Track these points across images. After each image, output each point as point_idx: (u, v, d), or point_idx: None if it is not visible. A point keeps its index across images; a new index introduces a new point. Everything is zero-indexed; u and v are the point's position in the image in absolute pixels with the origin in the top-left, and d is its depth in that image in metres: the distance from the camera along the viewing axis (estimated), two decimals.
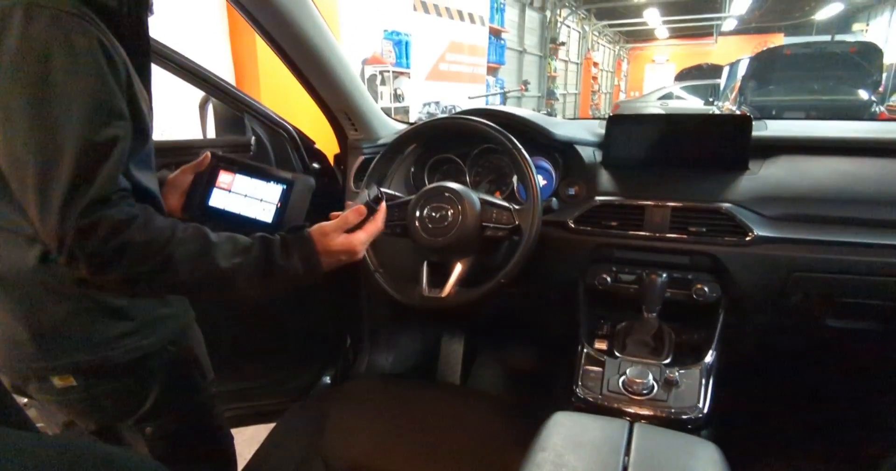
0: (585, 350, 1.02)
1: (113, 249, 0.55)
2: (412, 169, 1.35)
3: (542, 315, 1.34)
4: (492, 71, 8.02)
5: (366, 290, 1.54)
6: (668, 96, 10.09)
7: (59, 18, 0.54)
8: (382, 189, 1.21)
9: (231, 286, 0.63)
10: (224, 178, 0.80)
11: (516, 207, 1.01)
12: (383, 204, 0.80)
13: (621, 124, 1.17)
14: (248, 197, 0.77)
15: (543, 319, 1.36)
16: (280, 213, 0.77)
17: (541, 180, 1.19)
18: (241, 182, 0.78)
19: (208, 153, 0.83)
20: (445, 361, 1.60)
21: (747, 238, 0.99)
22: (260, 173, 0.79)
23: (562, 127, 1.24)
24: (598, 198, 1.12)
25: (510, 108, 1.29)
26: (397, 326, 1.56)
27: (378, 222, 0.78)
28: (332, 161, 1.44)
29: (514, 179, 1.25)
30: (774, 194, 1.04)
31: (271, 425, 1.00)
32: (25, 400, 0.79)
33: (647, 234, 1.06)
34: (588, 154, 1.21)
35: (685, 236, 1.04)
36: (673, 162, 1.14)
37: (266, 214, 0.77)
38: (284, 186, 0.77)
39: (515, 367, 1.65)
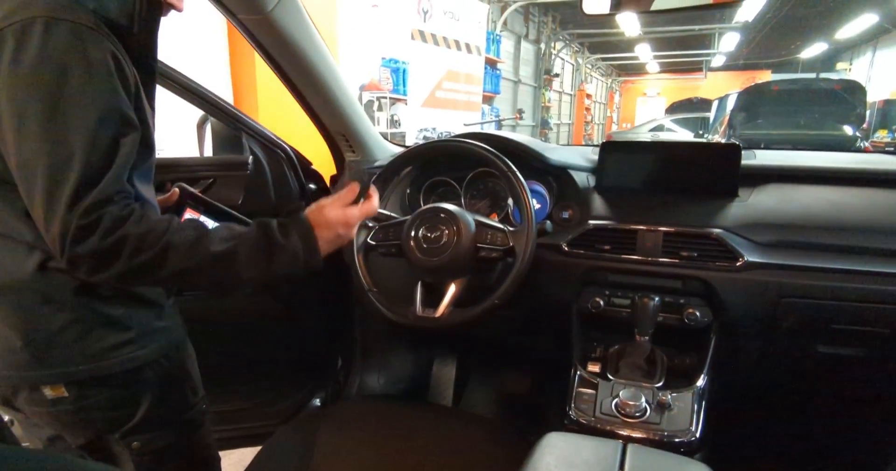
0: (578, 373, 1.02)
1: (112, 243, 0.57)
2: (408, 190, 1.36)
3: (536, 337, 1.34)
4: (487, 99, 8.11)
5: (358, 310, 1.54)
6: (658, 128, 10.28)
7: (78, 32, 0.57)
8: (379, 210, 1.20)
9: (233, 272, 0.64)
10: (190, 216, 0.81)
11: (511, 228, 1.02)
12: (374, 187, 0.85)
13: (614, 151, 1.19)
14: None
15: (536, 342, 1.35)
16: None
17: (535, 204, 1.19)
18: (206, 223, 0.73)
19: (176, 189, 0.86)
20: (437, 383, 1.59)
21: (738, 263, 1.00)
22: (224, 216, 0.81)
23: (556, 152, 1.26)
24: (591, 222, 1.12)
25: (506, 133, 1.30)
26: (389, 348, 1.55)
27: (372, 202, 0.81)
28: (328, 182, 1.44)
29: (510, 201, 1.25)
30: (764, 221, 1.05)
31: (258, 449, 0.98)
32: (7, 417, 0.78)
33: (640, 258, 1.07)
34: (582, 179, 1.22)
35: (677, 261, 1.05)
36: (665, 188, 1.15)
37: None
38: None
39: (508, 389, 1.63)
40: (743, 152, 1.11)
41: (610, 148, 1.19)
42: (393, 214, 1.19)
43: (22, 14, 0.57)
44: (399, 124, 5.33)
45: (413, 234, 1.05)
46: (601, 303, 1.09)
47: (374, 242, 1.13)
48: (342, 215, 0.76)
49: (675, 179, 1.14)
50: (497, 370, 1.66)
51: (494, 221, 1.07)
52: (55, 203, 0.56)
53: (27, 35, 0.56)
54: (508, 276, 0.99)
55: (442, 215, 1.03)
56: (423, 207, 1.09)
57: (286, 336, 1.43)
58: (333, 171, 1.46)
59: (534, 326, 1.30)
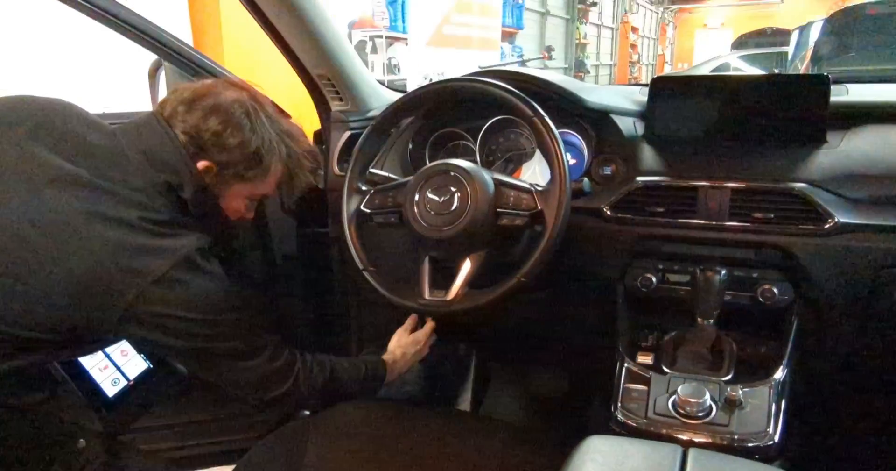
0: (626, 365, 1.03)
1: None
2: (410, 146, 1.35)
3: (572, 325, 1.35)
4: (507, 36, 7.98)
5: (352, 296, 1.56)
6: (723, 68, 10.12)
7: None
8: (374, 170, 1.20)
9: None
10: None
11: (539, 188, 1.01)
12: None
13: (669, 88, 1.17)
14: None
15: (573, 330, 1.36)
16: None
17: (569, 158, 1.19)
18: None
19: None
20: (452, 383, 1.61)
21: (827, 226, 0.98)
22: None
23: (595, 93, 1.25)
24: (639, 178, 1.12)
25: (531, 70, 1.29)
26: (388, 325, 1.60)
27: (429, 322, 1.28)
28: (311, 138, 1.43)
29: (536, 156, 1.25)
30: (860, 172, 1.03)
31: (232, 468, 1.01)
32: None
33: (702, 222, 1.06)
34: (627, 126, 1.21)
35: (748, 225, 1.04)
36: (733, 134, 1.14)
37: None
38: None
39: (539, 389, 1.65)
40: (832, 87, 1.08)
41: (663, 85, 1.18)
42: (392, 176, 1.19)
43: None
44: (398, 70, 5.20)
45: (417, 198, 1.04)
46: (653, 280, 1.10)
47: (368, 210, 1.13)
48: (411, 341, 1.23)
49: (746, 123, 1.13)
50: (525, 367, 1.67)
51: (518, 180, 1.07)
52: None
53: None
54: (536, 248, 0.98)
55: (453, 174, 1.03)
56: (430, 165, 1.08)
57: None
58: (317, 124, 1.45)
59: (569, 311, 1.30)
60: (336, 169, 1.40)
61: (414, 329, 1.33)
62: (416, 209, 1.05)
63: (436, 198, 1.03)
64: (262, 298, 1.51)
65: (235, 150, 0.94)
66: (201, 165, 0.93)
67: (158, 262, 0.83)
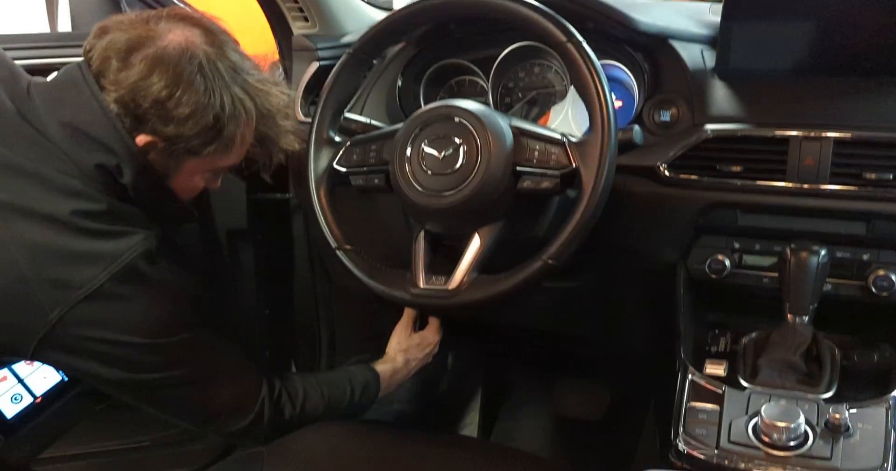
0: (691, 377, 1.01)
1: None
2: (399, 83, 1.34)
3: (615, 324, 1.35)
4: None
5: (322, 288, 1.56)
6: None
7: None
8: (350, 116, 1.19)
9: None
10: None
11: (573, 139, 0.99)
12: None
13: (751, 5, 1.12)
14: None
15: (616, 330, 1.36)
16: None
17: (614, 99, 1.12)
18: None
19: None
20: (454, 400, 1.62)
21: None
22: None
23: (650, 11, 1.22)
24: (709, 127, 1.09)
25: None
26: (374, 346, 1.52)
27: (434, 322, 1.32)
28: (265, 68, 1.43)
29: (569, 97, 1.24)
30: None
31: None
32: None
33: (793, 185, 1.04)
34: (693, 56, 1.18)
35: (857, 189, 1.01)
36: (837, 66, 1.12)
37: None
38: None
39: (569, 410, 1.65)
40: None
41: (743, 1, 1.15)
42: (375, 123, 1.18)
43: None
44: None
45: (409, 152, 1.03)
46: (726, 263, 1.09)
47: (343, 169, 1.13)
48: (417, 343, 1.27)
49: (856, 52, 1.09)
50: (550, 380, 1.67)
51: (546, 129, 1.05)
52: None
53: None
54: (569, 220, 0.96)
55: (457, 120, 1.01)
56: (426, 108, 1.07)
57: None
58: (275, 53, 1.44)
59: (612, 305, 1.30)
60: (300, 113, 1.37)
61: (418, 325, 1.36)
62: (407, 168, 1.04)
63: (434, 152, 1.02)
64: (226, 301, 1.54)
65: (187, 120, 0.91)
66: (141, 140, 0.91)
67: (92, 271, 0.81)
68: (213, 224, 1.47)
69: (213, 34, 0.97)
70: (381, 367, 1.24)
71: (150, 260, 0.87)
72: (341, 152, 1.13)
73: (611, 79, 1.14)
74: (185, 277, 0.99)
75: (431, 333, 1.31)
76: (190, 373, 0.92)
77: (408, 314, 1.35)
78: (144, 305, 0.84)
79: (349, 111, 1.22)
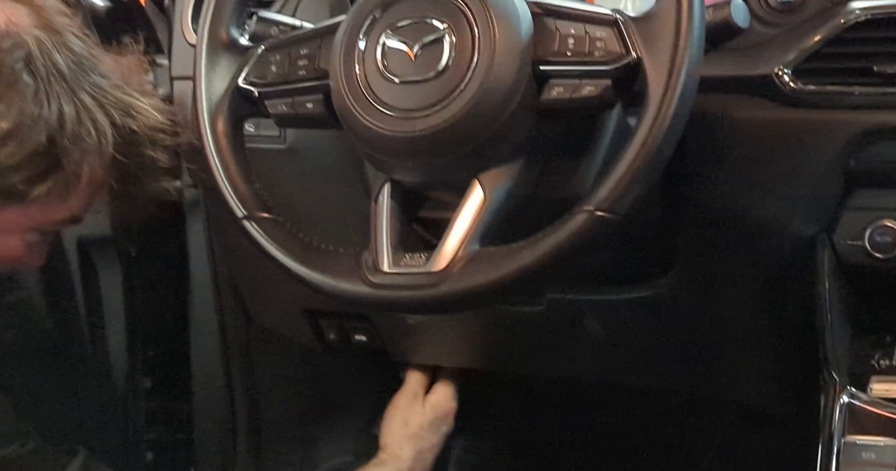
0: (848, 400, 0.99)
1: None
2: None
3: (716, 357, 1.27)
4: None
5: (233, 329, 1.57)
6: None
7: None
8: (268, 14, 1.17)
9: None
10: None
11: (631, 17, 0.92)
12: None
13: None
14: None
15: (717, 371, 1.29)
16: None
17: None
18: None
19: None
20: None
21: None
22: None
23: None
24: (857, 3, 1.02)
25: None
26: (343, 438, 1.56)
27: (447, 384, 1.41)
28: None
29: None
30: None
31: None
32: None
33: None
34: None
35: None
36: None
37: None
38: None
39: None
40: None
41: None
42: (300, 23, 1.13)
43: None
44: None
45: (363, 50, 0.96)
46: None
47: (254, 89, 1.05)
48: (433, 420, 1.35)
49: None
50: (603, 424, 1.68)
51: (584, 3, 0.98)
52: None
53: None
54: (629, 146, 0.88)
55: None
56: None
57: (42, 382, 1.48)
58: None
59: (710, 325, 1.23)
60: (187, 34, 1.37)
61: (422, 388, 1.35)
62: (359, 76, 0.96)
63: (403, 47, 0.94)
64: (77, 371, 1.54)
65: (5, 142, 0.90)
66: None
67: None
68: (56, 239, 1.38)
69: (49, 14, 0.94)
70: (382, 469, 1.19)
71: None
72: (251, 63, 1.05)
73: None
74: None
75: (445, 400, 1.29)
76: None
77: (415, 379, 1.33)
78: None
79: (270, 11, 1.17)
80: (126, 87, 0.96)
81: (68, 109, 0.90)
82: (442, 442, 1.29)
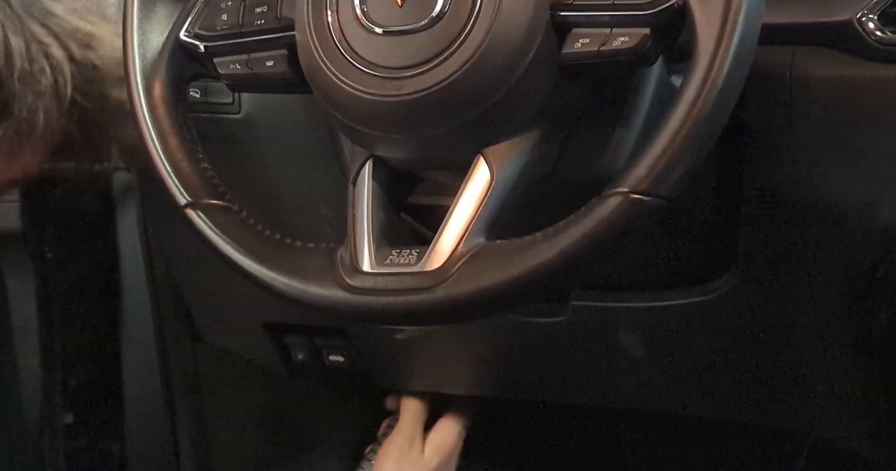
0: None
1: None
2: None
3: (790, 383, 1.23)
4: None
5: (175, 349, 1.53)
6: None
7: None
8: None
9: None
10: None
11: None
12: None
13: None
14: None
15: (790, 363, 1.24)
16: None
17: None
18: None
19: None
20: None
21: None
22: None
23: None
24: None
25: None
26: (285, 450, 1.50)
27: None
28: None
29: None
30: None
31: None
32: None
33: None
34: None
35: None
36: None
37: None
38: None
39: None
40: None
41: None
42: None
43: None
44: None
45: None
46: None
47: (201, 44, 1.00)
48: (435, 466, 1.32)
49: None
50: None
51: None
52: None
53: None
54: (672, 112, 0.82)
55: None
56: None
57: None
58: None
59: (781, 341, 1.18)
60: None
61: (420, 425, 1.28)
62: (333, 28, 0.91)
63: None
64: None
65: None
66: None
67: None
68: None
69: None
70: None
71: None
72: (196, 10, 0.97)
73: None
74: None
75: (451, 440, 1.25)
76: None
77: (410, 414, 1.28)
78: None
79: None
80: (85, 12, 0.91)
81: (15, 42, 0.88)
82: None
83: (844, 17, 1.02)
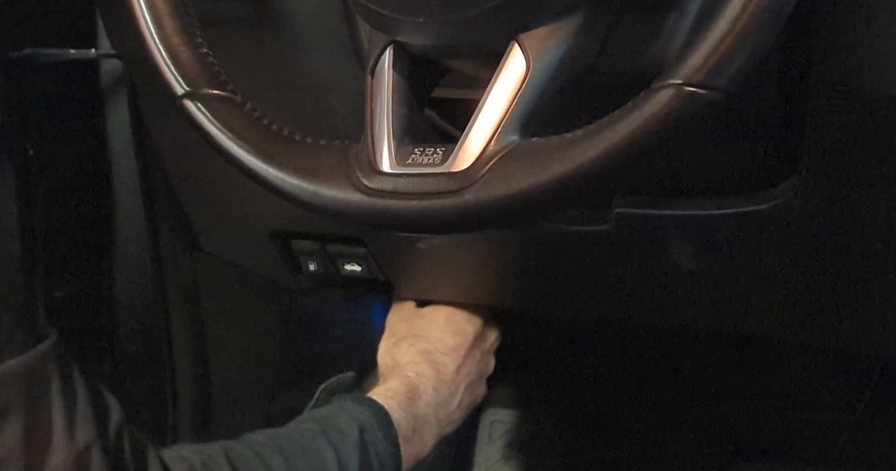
0: None
1: None
2: None
3: (855, 262, 1.25)
4: None
5: (171, 258, 1.56)
6: None
7: None
8: None
9: None
10: None
11: None
12: None
13: None
14: None
15: (860, 279, 1.26)
16: None
17: None
18: None
19: None
20: None
21: None
22: None
23: None
24: None
25: None
26: (290, 370, 1.51)
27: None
28: None
29: None
30: None
31: None
32: None
33: None
34: None
35: None
36: None
37: None
38: None
39: None
40: None
41: None
42: None
43: None
44: None
45: None
46: None
47: None
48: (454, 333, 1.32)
49: None
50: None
51: None
52: None
53: None
54: (728, 1, 0.78)
55: None
56: None
57: None
58: None
59: (854, 222, 1.22)
60: None
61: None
62: None
63: None
64: None
65: None
66: None
67: None
68: None
69: None
70: (389, 396, 1.17)
71: None
72: None
73: None
74: None
75: (479, 320, 1.26)
76: None
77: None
78: None
79: None
80: None
81: None
82: (479, 382, 1.31)
83: None
